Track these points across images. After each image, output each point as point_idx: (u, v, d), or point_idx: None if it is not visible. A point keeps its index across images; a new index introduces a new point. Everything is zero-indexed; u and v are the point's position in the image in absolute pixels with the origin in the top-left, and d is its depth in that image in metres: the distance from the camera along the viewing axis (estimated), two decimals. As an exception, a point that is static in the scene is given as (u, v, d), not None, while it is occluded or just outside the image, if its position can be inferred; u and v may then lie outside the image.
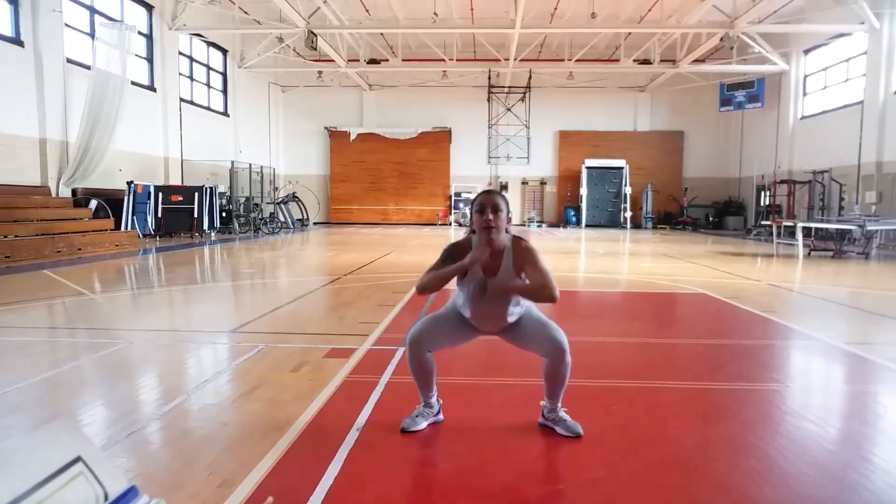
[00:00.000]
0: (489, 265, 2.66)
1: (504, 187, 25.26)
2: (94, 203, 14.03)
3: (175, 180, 17.78)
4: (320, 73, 22.62)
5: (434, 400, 2.85)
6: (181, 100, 18.27)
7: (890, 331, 5.37)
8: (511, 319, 2.76)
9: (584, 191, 24.67)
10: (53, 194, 13.05)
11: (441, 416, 2.88)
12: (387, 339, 4.58)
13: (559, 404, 2.80)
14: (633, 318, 6.03)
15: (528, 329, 2.76)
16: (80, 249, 11.10)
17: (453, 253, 2.70)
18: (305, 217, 23.14)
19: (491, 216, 2.58)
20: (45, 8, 12.57)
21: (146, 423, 2.87)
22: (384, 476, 2.34)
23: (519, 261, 2.65)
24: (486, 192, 2.70)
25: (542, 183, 26.23)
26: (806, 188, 18.97)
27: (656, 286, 7.98)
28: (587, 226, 24.50)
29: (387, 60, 21.76)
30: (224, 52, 21.58)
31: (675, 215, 24.96)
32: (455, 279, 2.71)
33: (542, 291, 2.58)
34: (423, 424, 2.80)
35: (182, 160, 18.23)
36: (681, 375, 3.84)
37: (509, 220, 2.66)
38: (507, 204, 2.67)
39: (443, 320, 2.82)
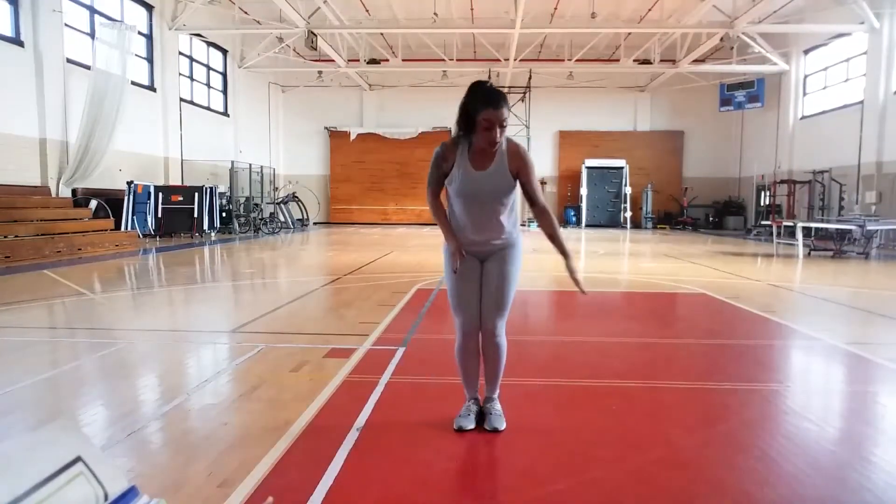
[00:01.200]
0: (480, 162, 2.60)
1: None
2: (94, 203, 14.02)
3: (175, 180, 17.77)
4: (320, 73, 22.61)
5: (478, 394, 2.88)
6: (181, 100, 18.26)
7: (890, 331, 5.37)
8: (503, 230, 2.67)
9: (584, 191, 24.66)
10: (53, 194, 13.04)
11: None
12: (387, 339, 4.58)
13: (493, 395, 2.84)
14: (633, 318, 6.03)
15: (493, 275, 2.68)
16: (80, 249, 11.10)
17: (443, 160, 2.66)
18: (305, 217, 23.13)
19: (499, 131, 2.50)
20: (45, 8, 12.56)
21: (146, 423, 2.87)
22: (384, 476, 2.34)
23: (513, 161, 2.61)
24: (493, 101, 2.46)
25: (542, 183, 26.16)
26: (806, 188, 18.96)
27: (657, 286, 7.97)
28: (587, 226, 24.50)
29: (387, 60, 21.76)
30: (224, 52, 21.57)
31: (676, 215, 24.95)
32: (448, 188, 2.69)
33: (551, 219, 2.67)
34: (475, 422, 2.80)
35: (182, 160, 18.23)
36: (681, 375, 3.83)
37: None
38: (507, 106, 2.54)
39: (456, 278, 2.71)
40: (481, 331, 2.74)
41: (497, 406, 2.85)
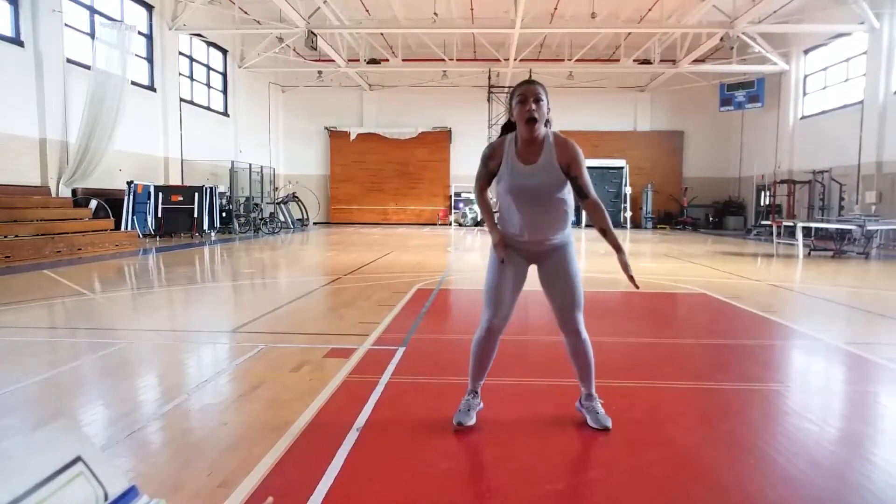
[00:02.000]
0: (527, 156, 2.59)
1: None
2: (94, 203, 14.03)
3: (175, 180, 17.77)
4: (320, 73, 22.62)
5: (478, 388, 2.89)
6: (181, 100, 18.27)
7: (890, 331, 5.36)
8: (560, 228, 2.66)
9: (584, 191, 24.65)
10: (53, 194, 13.05)
11: (482, 405, 2.90)
12: (387, 339, 4.58)
13: (592, 391, 2.85)
14: (633, 318, 6.03)
15: (559, 276, 2.70)
16: (79, 249, 11.10)
17: (489, 159, 2.67)
18: (305, 217, 23.14)
19: (534, 106, 2.52)
20: (45, 8, 12.56)
21: (146, 423, 2.87)
22: (384, 476, 2.34)
23: (563, 155, 2.59)
24: (528, 82, 2.60)
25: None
26: (806, 188, 18.97)
27: (657, 286, 7.97)
28: (587, 226, 24.47)
29: (387, 60, 21.76)
30: (224, 52, 21.57)
31: (675, 215, 24.96)
32: (498, 188, 2.68)
33: (603, 213, 2.67)
34: (475, 417, 2.81)
35: (182, 160, 18.23)
36: (681, 375, 3.83)
37: (549, 110, 2.61)
38: (546, 94, 2.59)
39: (497, 272, 2.69)
40: (565, 333, 2.75)
41: (599, 405, 2.85)
